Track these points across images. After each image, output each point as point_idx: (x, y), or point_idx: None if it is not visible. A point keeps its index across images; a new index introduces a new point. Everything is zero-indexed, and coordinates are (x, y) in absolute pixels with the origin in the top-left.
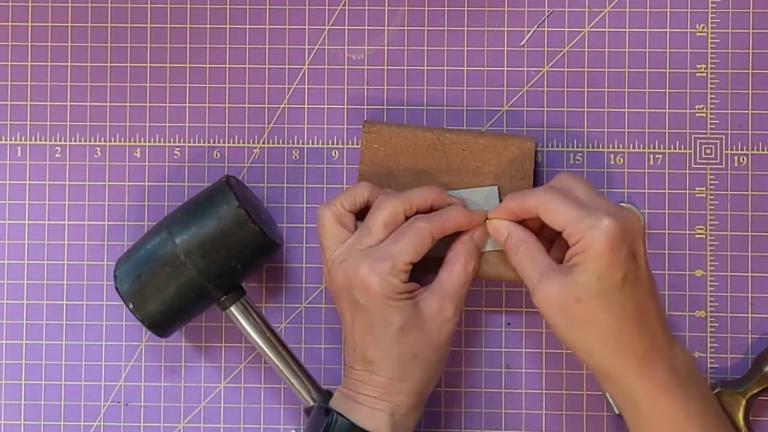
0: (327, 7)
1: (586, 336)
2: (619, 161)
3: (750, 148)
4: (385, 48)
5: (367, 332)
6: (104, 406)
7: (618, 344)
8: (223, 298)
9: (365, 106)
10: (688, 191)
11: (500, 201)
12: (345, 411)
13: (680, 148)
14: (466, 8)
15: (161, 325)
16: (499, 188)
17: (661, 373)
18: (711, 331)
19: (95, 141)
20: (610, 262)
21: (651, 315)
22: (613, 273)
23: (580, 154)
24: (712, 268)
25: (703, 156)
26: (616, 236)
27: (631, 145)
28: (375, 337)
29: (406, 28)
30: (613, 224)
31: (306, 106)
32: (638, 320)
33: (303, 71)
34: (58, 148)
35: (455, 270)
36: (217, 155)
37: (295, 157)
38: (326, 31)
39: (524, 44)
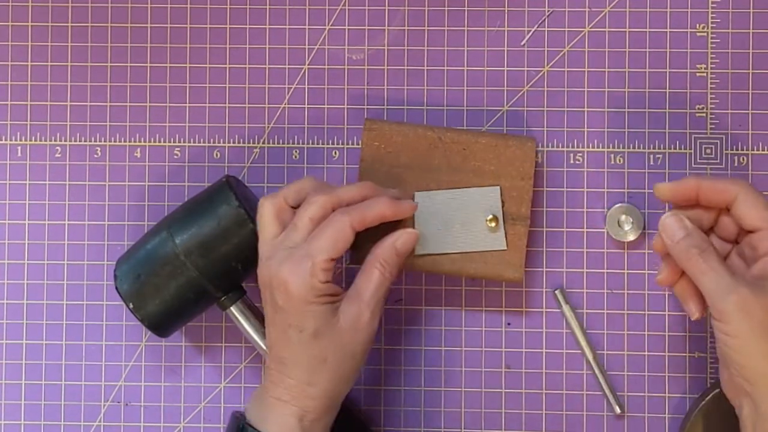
0: (327, 7)
1: (742, 368)
2: (619, 161)
3: (750, 148)
4: (385, 48)
5: (281, 332)
6: (104, 406)
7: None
8: (223, 298)
9: (365, 106)
10: None
11: (502, 201)
12: (258, 412)
13: (680, 148)
14: (466, 8)
15: (161, 325)
16: (501, 188)
17: None
18: (711, 331)
19: (95, 141)
20: None
21: None
22: None
23: (580, 154)
24: None
25: (703, 156)
26: None
27: (631, 145)
28: (288, 338)
29: (406, 28)
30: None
31: (306, 106)
32: None
33: (303, 71)
34: (58, 148)
35: (372, 276)
36: (217, 155)
37: (295, 157)
38: (326, 31)
39: (524, 44)
